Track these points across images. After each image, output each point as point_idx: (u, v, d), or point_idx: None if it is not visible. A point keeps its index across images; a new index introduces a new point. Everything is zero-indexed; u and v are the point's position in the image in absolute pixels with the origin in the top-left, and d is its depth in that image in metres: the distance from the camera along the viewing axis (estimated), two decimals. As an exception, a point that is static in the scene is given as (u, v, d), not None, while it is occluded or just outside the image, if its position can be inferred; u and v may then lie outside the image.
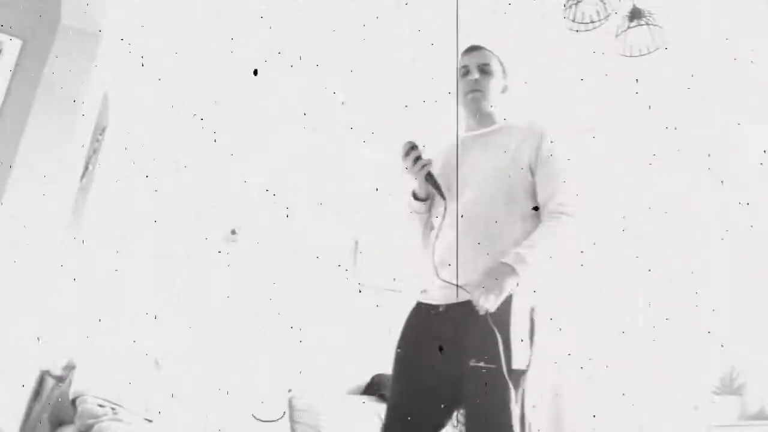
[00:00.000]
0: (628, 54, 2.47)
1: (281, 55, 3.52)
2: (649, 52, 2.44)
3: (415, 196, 1.67)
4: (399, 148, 1.63)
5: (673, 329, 3.78)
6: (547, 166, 1.61)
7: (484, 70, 1.71)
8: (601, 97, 3.61)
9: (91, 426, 2.29)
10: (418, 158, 1.58)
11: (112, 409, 2.40)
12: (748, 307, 3.34)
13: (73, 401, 2.42)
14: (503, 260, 1.45)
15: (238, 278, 3.59)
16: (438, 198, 1.63)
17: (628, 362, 4.11)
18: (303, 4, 2.98)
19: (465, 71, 1.73)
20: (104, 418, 2.33)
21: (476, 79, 1.70)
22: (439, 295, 1.55)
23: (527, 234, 1.54)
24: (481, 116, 1.72)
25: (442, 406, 1.51)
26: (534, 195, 1.61)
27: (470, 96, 1.70)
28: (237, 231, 3.62)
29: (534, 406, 3.67)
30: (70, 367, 2.66)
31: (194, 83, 3.80)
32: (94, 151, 2.92)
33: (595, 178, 4.59)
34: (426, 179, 1.60)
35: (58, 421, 2.48)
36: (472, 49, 1.75)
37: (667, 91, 3.38)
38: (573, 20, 2.38)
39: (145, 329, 3.20)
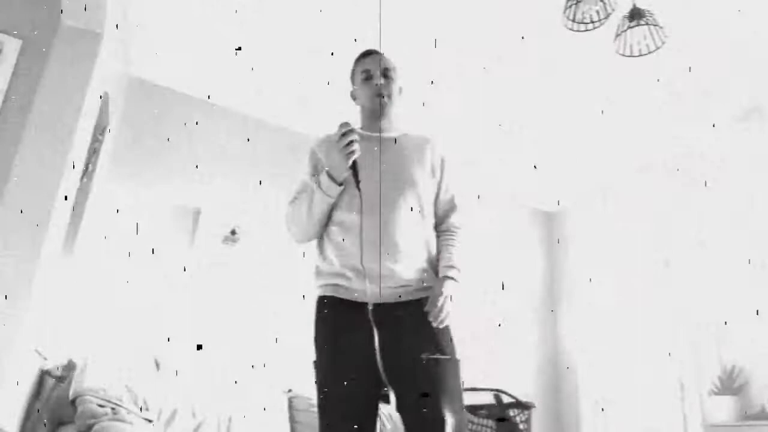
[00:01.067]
0: (628, 54, 2.47)
1: (275, 56, 3.53)
2: (650, 52, 2.44)
3: (332, 178, 1.61)
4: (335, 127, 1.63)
5: (672, 329, 3.78)
6: (447, 180, 1.77)
7: (387, 74, 1.78)
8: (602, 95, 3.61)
9: (91, 426, 2.29)
10: (351, 142, 1.57)
11: (112, 409, 2.40)
12: (748, 306, 3.33)
13: (73, 401, 2.41)
14: (446, 274, 1.59)
15: (238, 278, 3.59)
16: (347, 189, 1.62)
17: (627, 361, 4.11)
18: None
19: (367, 75, 1.78)
20: (104, 418, 2.33)
21: (382, 84, 1.76)
22: (366, 294, 1.55)
23: (426, 236, 1.67)
24: (386, 119, 1.78)
25: (378, 398, 1.56)
26: (431, 202, 1.73)
27: (377, 100, 1.75)
28: (237, 231, 3.62)
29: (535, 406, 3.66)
30: (70, 367, 2.66)
31: (192, 83, 3.81)
32: (94, 151, 2.92)
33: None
34: (350, 166, 1.59)
35: (58, 421, 2.48)
36: (370, 53, 1.82)
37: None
38: (573, 20, 2.38)
39: (145, 329, 3.20)
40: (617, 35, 2.44)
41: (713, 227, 3.67)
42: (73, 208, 2.71)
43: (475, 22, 3.10)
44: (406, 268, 1.57)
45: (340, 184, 1.61)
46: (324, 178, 1.61)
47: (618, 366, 4.18)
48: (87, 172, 2.89)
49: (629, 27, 2.39)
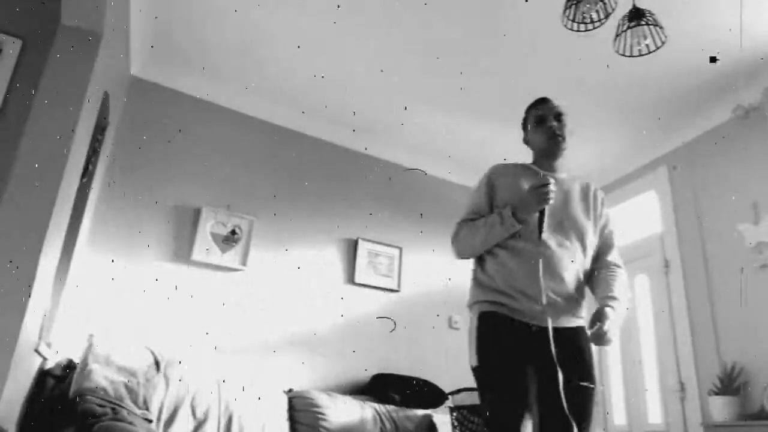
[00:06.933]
0: (628, 54, 2.47)
1: (271, 54, 3.52)
2: (650, 52, 2.43)
3: (516, 217, 1.73)
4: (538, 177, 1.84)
5: (671, 328, 3.78)
6: (609, 222, 1.90)
7: (559, 119, 1.91)
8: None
9: (91, 426, 2.29)
10: (548, 193, 1.69)
11: (113, 409, 2.40)
12: (748, 306, 3.33)
13: (73, 401, 2.41)
14: (606, 303, 1.72)
15: (238, 278, 3.59)
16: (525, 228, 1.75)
17: (627, 361, 4.11)
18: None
19: (540, 119, 1.91)
20: (104, 418, 2.33)
21: (556, 125, 1.89)
22: (529, 316, 1.71)
23: (583, 273, 1.82)
24: (559, 160, 1.91)
25: None
26: (593, 241, 1.86)
27: (553, 141, 1.88)
28: (237, 231, 3.62)
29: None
30: (70, 367, 2.66)
31: (194, 83, 3.80)
32: (94, 151, 2.92)
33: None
34: (539, 213, 1.74)
35: (58, 421, 2.48)
36: (544, 100, 1.94)
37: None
38: (573, 20, 2.38)
39: (145, 329, 3.20)
40: (617, 35, 2.44)
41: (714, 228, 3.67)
42: (74, 207, 2.71)
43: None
44: (567, 300, 1.74)
45: (521, 222, 1.73)
46: (508, 217, 1.72)
47: (618, 365, 4.18)
48: (87, 172, 2.89)
49: (629, 27, 2.39)
